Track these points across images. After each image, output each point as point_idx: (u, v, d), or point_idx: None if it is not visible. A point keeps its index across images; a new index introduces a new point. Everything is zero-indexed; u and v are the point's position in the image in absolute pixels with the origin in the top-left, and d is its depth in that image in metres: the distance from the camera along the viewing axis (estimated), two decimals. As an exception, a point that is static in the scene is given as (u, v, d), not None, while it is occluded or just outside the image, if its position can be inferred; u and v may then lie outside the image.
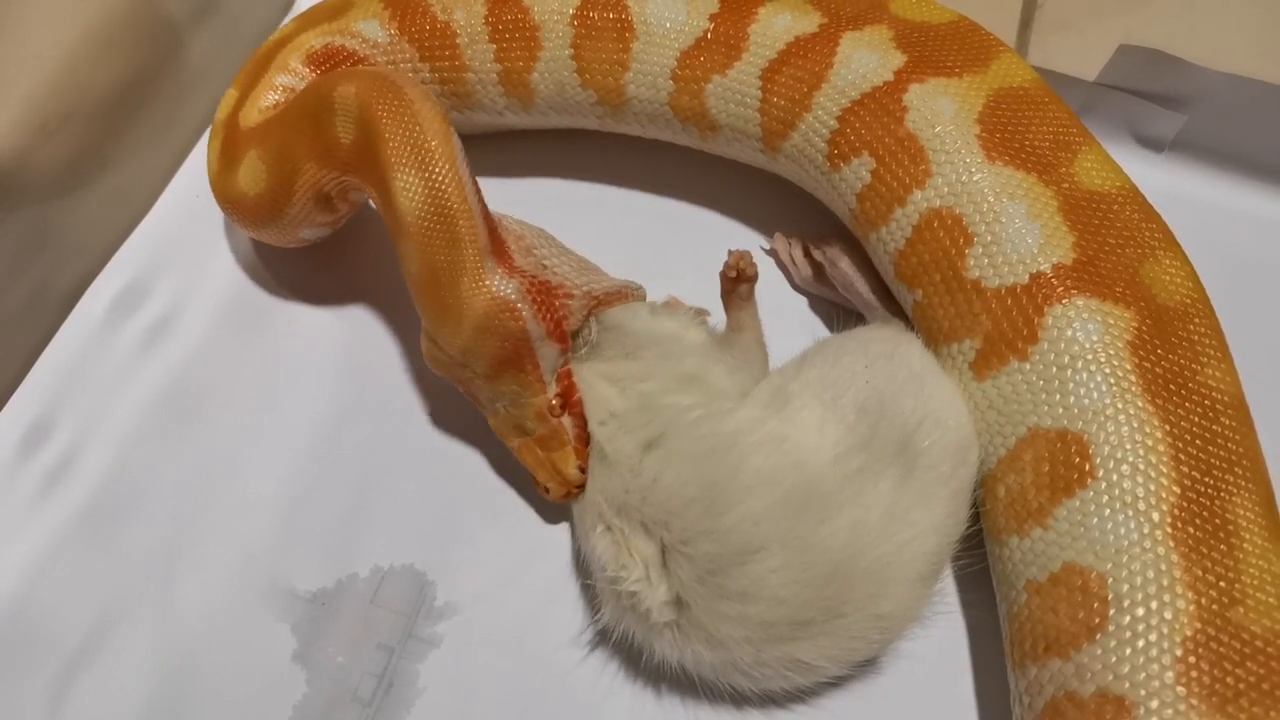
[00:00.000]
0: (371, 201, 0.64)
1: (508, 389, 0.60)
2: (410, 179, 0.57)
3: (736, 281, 0.60)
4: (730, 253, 0.60)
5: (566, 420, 0.60)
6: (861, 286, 0.66)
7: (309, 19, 0.73)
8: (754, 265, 0.60)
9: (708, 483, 0.54)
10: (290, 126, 0.64)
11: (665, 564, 0.55)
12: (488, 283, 0.57)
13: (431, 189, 0.57)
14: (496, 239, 0.59)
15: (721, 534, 0.53)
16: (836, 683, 0.57)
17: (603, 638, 0.59)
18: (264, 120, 0.68)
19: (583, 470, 0.59)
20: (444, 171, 0.57)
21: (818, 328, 0.70)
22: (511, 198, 0.76)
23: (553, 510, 0.65)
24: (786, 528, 0.53)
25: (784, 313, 0.69)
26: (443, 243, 0.57)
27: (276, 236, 0.70)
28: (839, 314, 0.69)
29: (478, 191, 0.59)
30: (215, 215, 0.77)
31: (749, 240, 0.74)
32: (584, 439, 0.59)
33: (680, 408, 0.57)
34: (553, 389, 0.60)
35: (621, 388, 0.59)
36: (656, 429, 0.57)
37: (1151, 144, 0.75)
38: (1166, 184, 0.71)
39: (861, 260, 0.67)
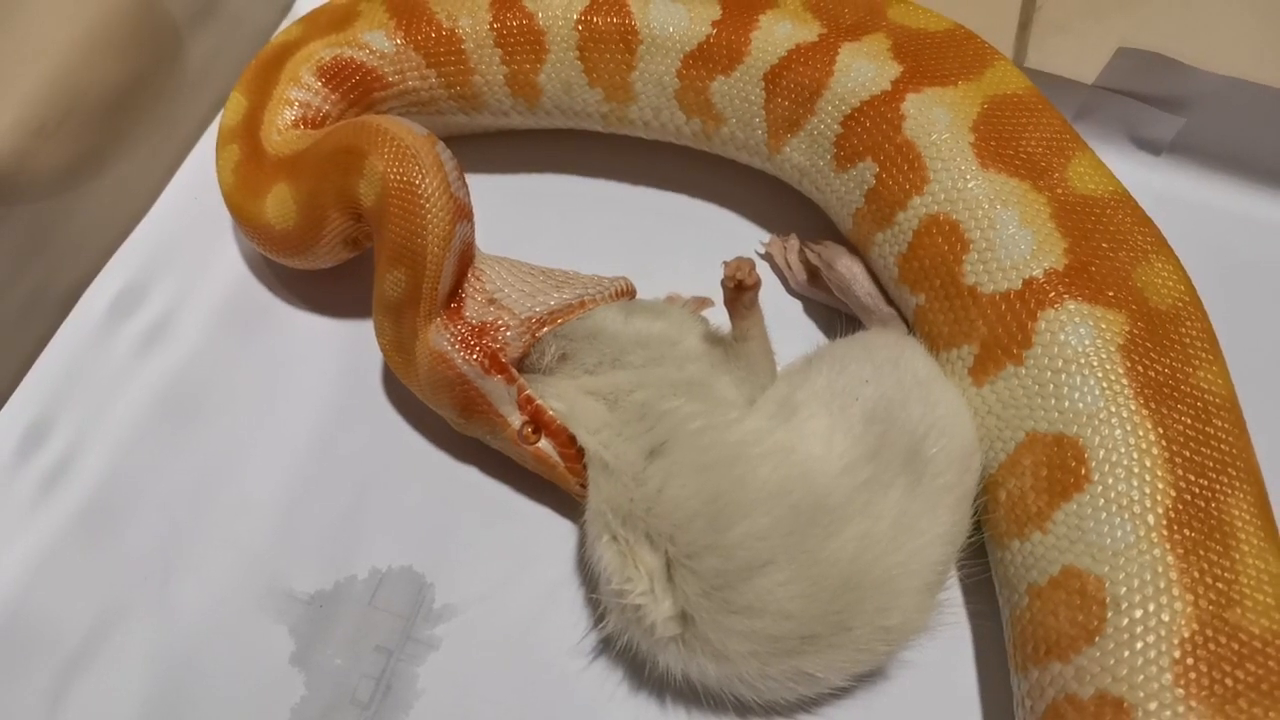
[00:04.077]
0: None
1: (480, 426, 0.62)
2: (400, 276, 0.62)
3: (738, 291, 0.58)
4: (726, 264, 0.58)
5: (546, 444, 0.60)
6: (858, 289, 0.66)
7: (314, 25, 0.74)
8: (755, 274, 0.58)
9: (713, 495, 0.54)
10: (321, 174, 0.66)
11: (671, 577, 0.54)
12: (426, 340, 0.61)
13: (413, 285, 0.61)
14: (455, 302, 0.62)
15: (727, 549, 0.53)
16: (840, 691, 0.57)
17: (605, 644, 0.59)
18: (294, 155, 0.68)
19: (583, 485, 0.59)
20: (431, 273, 0.61)
21: (814, 331, 0.70)
22: (514, 196, 0.77)
23: (552, 512, 0.65)
24: (794, 542, 0.53)
25: (780, 316, 0.69)
26: (407, 322, 0.62)
27: (296, 264, 0.71)
28: (835, 318, 0.69)
29: (463, 263, 0.62)
30: (215, 217, 0.77)
31: (752, 237, 0.74)
32: (572, 455, 0.60)
33: (681, 414, 0.57)
34: (516, 418, 0.60)
35: (611, 401, 0.58)
36: (659, 435, 0.56)
37: (1149, 146, 0.75)
38: (1164, 186, 0.72)
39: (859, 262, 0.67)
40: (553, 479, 0.61)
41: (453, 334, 0.61)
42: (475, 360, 0.60)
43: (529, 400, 0.60)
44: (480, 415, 0.61)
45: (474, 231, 0.63)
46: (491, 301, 0.62)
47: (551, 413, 0.59)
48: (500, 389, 0.60)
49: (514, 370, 0.60)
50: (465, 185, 0.63)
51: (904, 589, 0.54)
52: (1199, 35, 0.71)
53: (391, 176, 0.61)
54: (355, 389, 0.70)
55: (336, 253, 0.69)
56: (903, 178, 0.62)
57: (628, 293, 0.64)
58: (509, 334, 0.61)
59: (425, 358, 0.61)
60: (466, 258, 0.63)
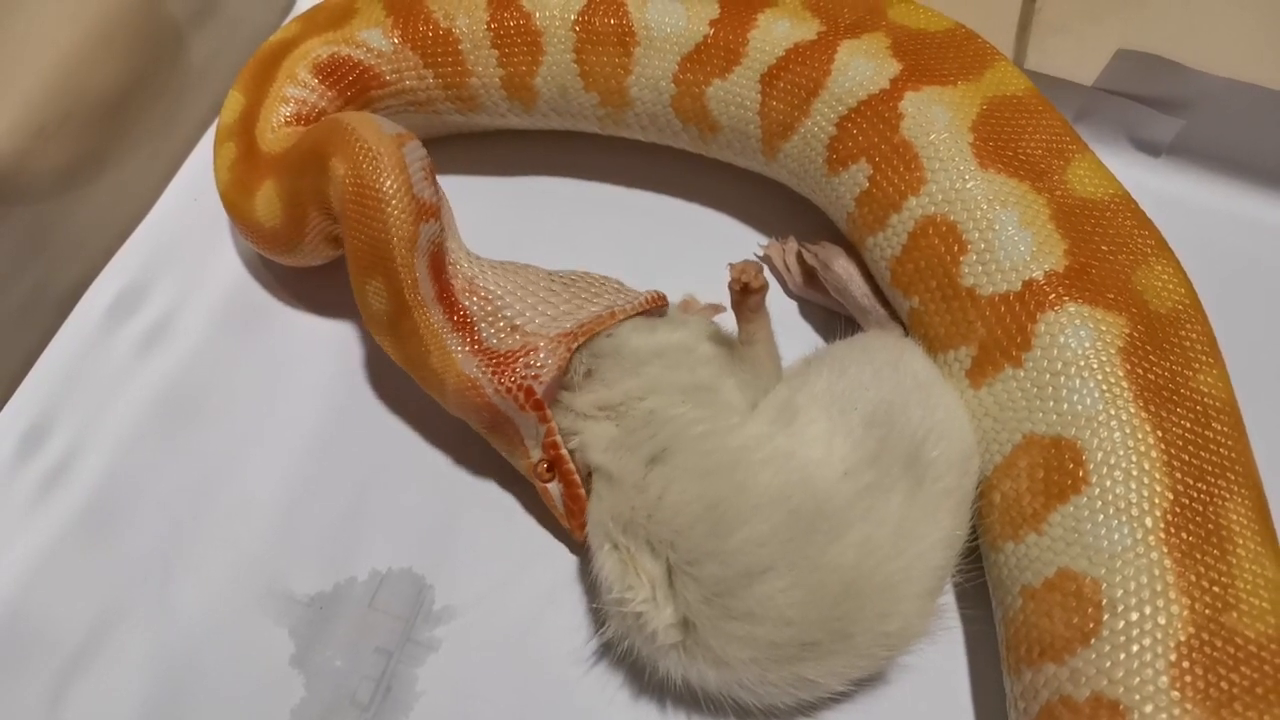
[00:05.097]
0: None
1: (500, 444, 0.62)
2: (379, 285, 0.62)
3: (744, 294, 0.58)
4: (731, 266, 0.58)
5: (555, 487, 0.60)
6: (855, 289, 0.66)
7: (311, 23, 0.74)
8: (761, 276, 0.57)
9: (714, 501, 0.54)
10: (299, 174, 0.66)
11: (671, 584, 0.54)
12: (453, 361, 0.60)
13: (395, 292, 0.61)
14: (458, 316, 0.61)
15: (728, 556, 0.53)
16: (839, 695, 0.57)
17: (605, 646, 0.59)
18: (280, 153, 0.69)
19: (577, 534, 0.60)
20: (405, 277, 0.61)
21: (811, 334, 0.70)
22: (510, 198, 0.77)
23: (552, 514, 0.65)
24: (794, 548, 0.53)
25: (778, 319, 0.68)
26: (408, 333, 0.62)
27: (290, 261, 0.72)
28: (834, 320, 0.69)
29: (435, 265, 0.62)
30: (214, 217, 0.77)
31: (750, 241, 0.74)
32: (575, 511, 0.59)
33: (685, 420, 0.56)
34: (538, 454, 0.60)
35: (620, 414, 0.58)
36: (661, 442, 0.56)
37: (1149, 148, 0.75)
38: (1164, 188, 0.72)
39: (855, 263, 0.67)
40: (549, 508, 0.62)
41: (484, 363, 0.60)
42: (509, 394, 0.59)
43: (554, 445, 0.59)
44: (500, 437, 0.62)
45: (445, 232, 0.63)
46: (514, 329, 0.60)
47: (570, 465, 0.59)
48: (531, 424, 0.60)
49: (548, 410, 0.59)
50: (434, 185, 0.63)
51: (905, 594, 0.54)
52: (1198, 37, 0.71)
53: (349, 179, 0.61)
54: (355, 390, 0.70)
55: (321, 250, 0.69)
56: (898, 178, 0.62)
57: (658, 305, 0.63)
58: (542, 356, 0.59)
59: (455, 381, 0.60)
60: (438, 259, 0.62)
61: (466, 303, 0.61)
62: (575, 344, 0.59)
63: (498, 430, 0.61)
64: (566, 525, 0.61)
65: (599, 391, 0.59)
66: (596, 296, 0.62)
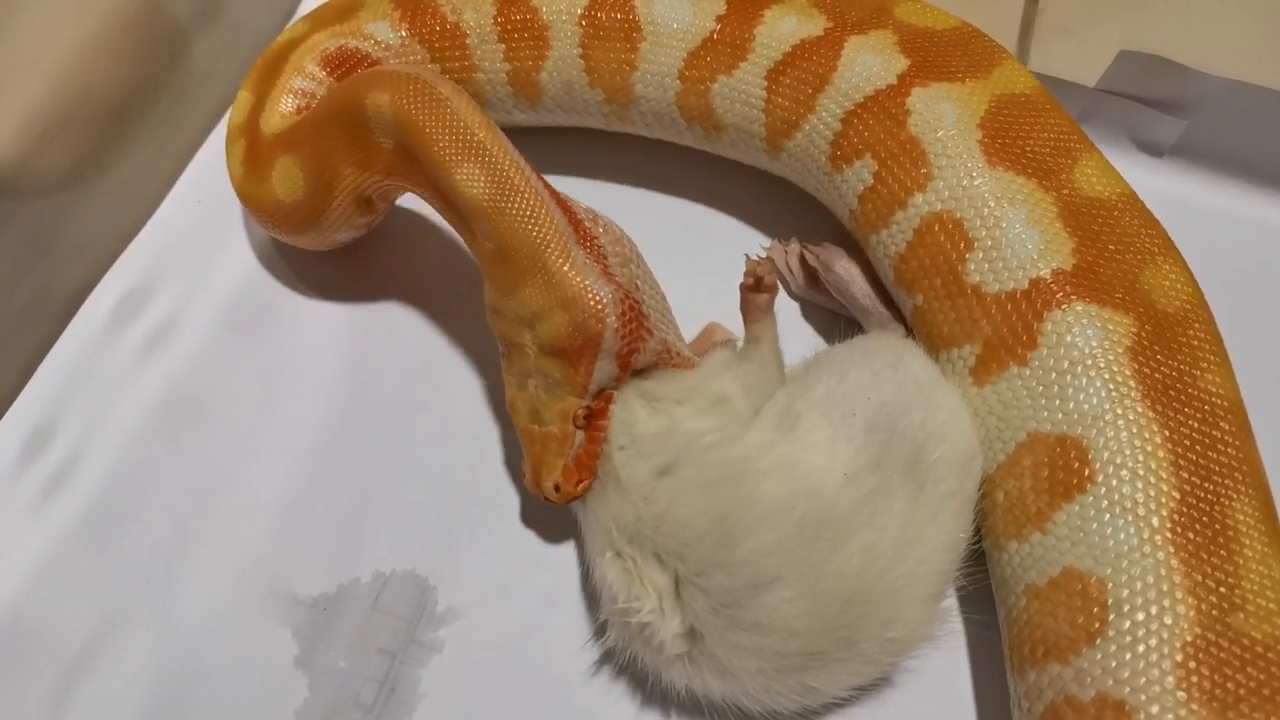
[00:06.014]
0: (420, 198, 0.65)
1: (551, 372, 0.59)
2: (470, 170, 0.59)
3: (756, 292, 0.58)
4: (748, 259, 0.58)
5: (579, 436, 0.58)
6: (856, 290, 0.66)
7: (318, 19, 0.74)
8: (773, 275, 0.58)
9: (721, 513, 0.53)
10: (325, 134, 0.65)
11: (679, 595, 0.54)
12: (580, 271, 0.58)
13: (493, 173, 0.59)
14: (581, 230, 0.59)
15: (735, 566, 0.53)
16: (842, 700, 0.57)
17: (607, 650, 0.59)
18: (292, 125, 0.68)
19: (558, 489, 0.58)
20: (500, 156, 0.59)
21: (812, 335, 0.70)
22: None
23: (556, 515, 0.65)
24: (800, 557, 0.52)
25: (780, 321, 0.69)
26: (520, 217, 0.58)
27: (312, 241, 0.71)
28: (835, 322, 0.69)
29: (539, 175, 0.60)
30: (218, 219, 0.77)
31: (755, 239, 0.74)
32: (585, 464, 0.58)
33: (697, 433, 0.56)
34: (588, 400, 0.58)
35: (656, 409, 0.58)
36: (671, 455, 0.56)
37: (1151, 149, 0.75)
38: (1166, 189, 0.72)
39: (857, 263, 0.67)
40: (532, 454, 0.59)
41: (615, 295, 0.57)
42: (623, 339, 0.57)
43: (609, 399, 0.58)
44: (564, 365, 0.58)
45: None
46: (636, 285, 0.59)
47: (606, 423, 0.58)
48: (609, 372, 0.58)
49: (628, 374, 0.59)
50: None
51: (909, 600, 0.54)
52: (1200, 38, 0.71)
53: (402, 99, 0.60)
54: (358, 390, 0.70)
55: (350, 217, 0.68)
56: (904, 175, 0.62)
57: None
58: (651, 342, 0.58)
59: (582, 293, 0.57)
60: (531, 166, 0.60)
61: (593, 229, 0.60)
62: (670, 362, 0.59)
63: (574, 358, 0.58)
64: (546, 482, 0.58)
65: (648, 383, 0.59)
66: (669, 324, 0.62)
